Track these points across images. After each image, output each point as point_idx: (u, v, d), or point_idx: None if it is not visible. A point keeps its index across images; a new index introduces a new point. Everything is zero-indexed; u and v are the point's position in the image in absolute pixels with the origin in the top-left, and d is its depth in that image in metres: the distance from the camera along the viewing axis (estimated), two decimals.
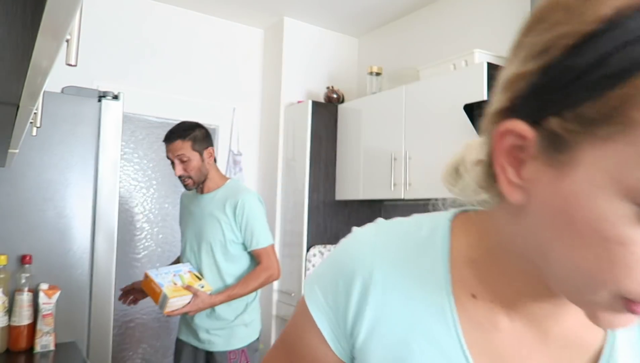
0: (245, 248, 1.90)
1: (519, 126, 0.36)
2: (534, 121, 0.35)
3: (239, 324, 1.88)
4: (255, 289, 1.85)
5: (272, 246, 1.92)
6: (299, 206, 2.88)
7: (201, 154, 1.89)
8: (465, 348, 0.45)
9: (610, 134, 0.31)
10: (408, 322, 0.47)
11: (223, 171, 3.11)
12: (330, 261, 0.54)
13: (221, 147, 3.11)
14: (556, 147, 0.34)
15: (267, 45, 3.32)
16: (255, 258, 1.91)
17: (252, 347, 1.90)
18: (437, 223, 0.51)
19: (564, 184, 0.34)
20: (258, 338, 1.94)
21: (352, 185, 2.84)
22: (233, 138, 3.17)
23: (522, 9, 2.23)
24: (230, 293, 1.81)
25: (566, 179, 0.34)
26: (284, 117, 3.09)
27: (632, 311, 0.36)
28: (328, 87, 3.07)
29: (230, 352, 1.84)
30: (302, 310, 0.54)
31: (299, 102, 3.03)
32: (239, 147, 3.18)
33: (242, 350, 1.86)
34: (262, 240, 1.88)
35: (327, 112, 2.96)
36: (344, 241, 0.54)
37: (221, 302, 1.80)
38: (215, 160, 1.97)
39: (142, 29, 2.87)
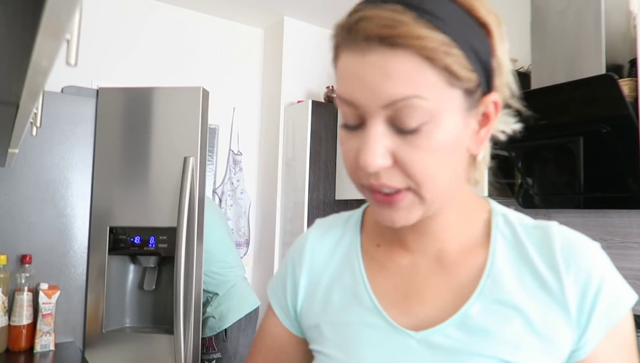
0: None
1: None
2: None
3: (209, 315, 2.12)
4: None
5: None
6: (299, 205, 2.88)
7: None
8: (369, 287, 0.57)
9: None
10: (329, 279, 0.61)
11: (223, 171, 3.12)
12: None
13: (221, 147, 3.11)
14: None
15: (267, 45, 3.32)
16: None
17: (220, 337, 2.10)
18: (359, 209, 0.67)
19: None
20: (230, 327, 2.12)
21: (352, 185, 2.83)
22: (233, 137, 3.17)
23: (522, 9, 2.23)
24: None
25: None
26: (284, 117, 3.09)
27: (376, 201, 0.50)
28: (328, 87, 3.07)
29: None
30: (268, 306, 0.69)
31: (299, 102, 3.03)
32: (239, 147, 3.18)
33: (209, 338, 2.12)
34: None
35: (327, 112, 2.96)
36: None
37: None
38: None
39: (142, 28, 2.87)
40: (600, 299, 0.51)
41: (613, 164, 1.72)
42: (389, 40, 0.44)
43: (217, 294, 2.13)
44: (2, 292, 1.61)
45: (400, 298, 0.56)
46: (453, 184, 0.51)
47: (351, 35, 0.47)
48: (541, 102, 1.78)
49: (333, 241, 0.64)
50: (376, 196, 0.50)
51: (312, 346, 0.61)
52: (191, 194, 1.84)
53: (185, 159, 1.84)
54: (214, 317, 2.11)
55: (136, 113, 1.91)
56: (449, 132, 0.47)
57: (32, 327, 1.66)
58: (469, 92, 0.47)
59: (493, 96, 0.50)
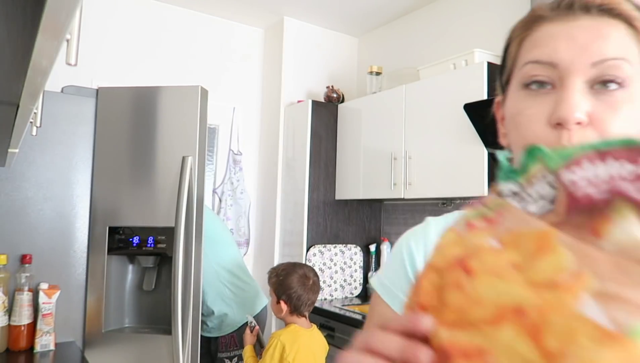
0: None
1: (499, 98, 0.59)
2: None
3: (227, 313, 2.21)
4: None
5: None
6: (299, 205, 2.88)
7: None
8: None
9: None
10: None
11: (223, 171, 3.12)
12: None
13: (221, 147, 3.11)
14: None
15: (267, 45, 3.32)
16: None
17: (241, 330, 2.16)
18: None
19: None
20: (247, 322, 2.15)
21: (352, 185, 2.84)
22: (233, 137, 3.17)
23: (522, 8, 2.22)
24: None
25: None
26: (284, 117, 3.09)
27: None
28: (328, 87, 3.07)
29: (221, 337, 2.19)
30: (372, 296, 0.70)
31: (299, 101, 3.03)
32: (239, 147, 3.18)
33: (230, 335, 2.20)
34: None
35: (327, 111, 2.96)
36: None
37: None
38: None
39: (142, 28, 2.87)
40: None
41: None
42: (606, 8, 0.49)
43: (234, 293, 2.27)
44: (2, 292, 1.61)
45: None
46: None
47: (562, 7, 0.51)
48: None
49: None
50: None
51: None
52: (189, 194, 1.83)
53: (184, 159, 1.84)
54: (232, 314, 2.22)
55: (135, 113, 1.91)
56: (637, 104, 0.49)
57: (32, 326, 1.66)
58: None
59: None
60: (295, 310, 1.89)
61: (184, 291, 1.80)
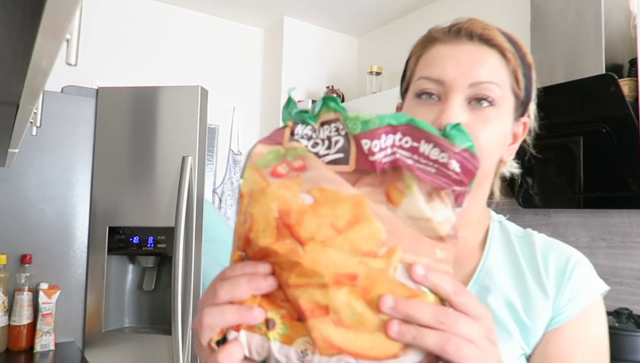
0: None
1: None
2: None
3: None
4: None
5: None
6: None
7: None
8: None
9: None
10: None
11: (223, 171, 3.12)
12: None
13: (221, 147, 3.11)
14: None
15: (267, 45, 3.31)
16: None
17: None
18: None
19: None
20: None
21: None
22: (233, 137, 3.17)
23: (522, 8, 2.23)
24: None
25: None
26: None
27: None
28: (328, 87, 3.07)
29: None
30: None
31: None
32: (239, 147, 3.18)
33: None
34: None
35: None
36: None
37: None
38: None
39: (142, 28, 2.87)
40: (574, 276, 0.60)
41: (613, 164, 1.72)
42: (485, 38, 0.60)
43: None
44: (2, 292, 1.61)
45: None
46: (489, 176, 0.63)
47: (452, 32, 0.61)
48: (541, 102, 1.78)
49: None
50: None
51: None
52: (189, 194, 1.83)
53: (184, 159, 1.84)
54: None
55: (135, 113, 1.91)
56: (505, 123, 0.60)
57: (32, 326, 1.66)
58: (518, 104, 0.62)
59: (525, 118, 0.64)
60: None
61: (184, 291, 1.80)
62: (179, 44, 2.99)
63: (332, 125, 0.42)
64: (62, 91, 1.84)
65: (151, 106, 1.90)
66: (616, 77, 1.57)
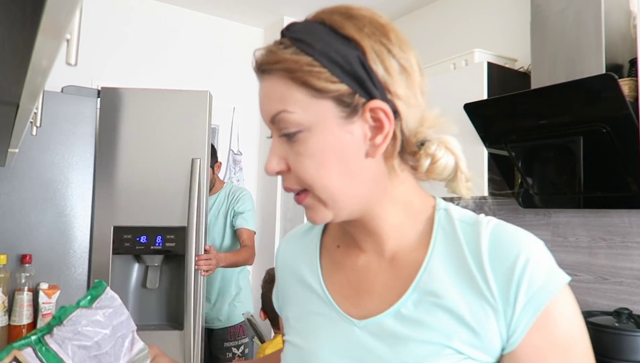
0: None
1: None
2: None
3: (236, 304, 2.31)
4: (237, 262, 2.17)
5: (254, 234, 2.32)
6: (299, 205, 2.88)
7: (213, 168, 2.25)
8: (323, 282, 0.65)
9: None
10: (295, 277, 0.69)
11: (223, 171, 3.12)
12: None
13: (221, 147, 3.11)
14: None
15: (267, 44, 3.31)
16: (238, 237, 2.26)
17: (246, 322, 2.20)
18: None
19: None
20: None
21: None
22: (233, 137, 3.17)
23: (522, 8, 2.23)
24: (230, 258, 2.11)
25: None
26: None
27: (297, 201, 0.60)
28: None
29: (230, 327, 2.29)
30: None
31: None
32: (239, 147, 3.18)
33: (239, 325, 2.28)
34: (250, 223, 2.28)
35: None
36: None
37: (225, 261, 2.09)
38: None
39: (142, 28, 2.87)
40: (524, 285, 0.52)
41: (613, 164, 1.72)
42: (263, 68, 0.55)
43: (241, 289, 2.37)
44: (2, 292, 1.61)
45: (352, 292, 0.63)
46: (360, 188, 0.56)
47: (256, 70, 0.57)
48: (541, 102, 1.78)
49: (299, 244, 0.72)
50: (296, 198, 0.60)
51: (284, 337, 0.69)
52: (199, 194, 1.87)
53: (193, 161, 1.88)
54: (240, 304, 2.32)
55: (142, 114, 1.92)
56: (325, 139, 0.53)
57: (32, 326, 1.66)
58: (341, 102, 0.53)
59: (374, 103, 0.53)
60: (272, 324, 1.76)
61: (195, 288, 1.85)
62: (178, 44, 2.99)
63: None
64: (62, 91, 1.84)
65: (160, 109, 1.93)
66: (616, 77, 1.57)
